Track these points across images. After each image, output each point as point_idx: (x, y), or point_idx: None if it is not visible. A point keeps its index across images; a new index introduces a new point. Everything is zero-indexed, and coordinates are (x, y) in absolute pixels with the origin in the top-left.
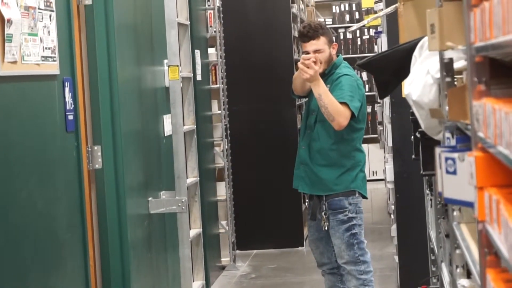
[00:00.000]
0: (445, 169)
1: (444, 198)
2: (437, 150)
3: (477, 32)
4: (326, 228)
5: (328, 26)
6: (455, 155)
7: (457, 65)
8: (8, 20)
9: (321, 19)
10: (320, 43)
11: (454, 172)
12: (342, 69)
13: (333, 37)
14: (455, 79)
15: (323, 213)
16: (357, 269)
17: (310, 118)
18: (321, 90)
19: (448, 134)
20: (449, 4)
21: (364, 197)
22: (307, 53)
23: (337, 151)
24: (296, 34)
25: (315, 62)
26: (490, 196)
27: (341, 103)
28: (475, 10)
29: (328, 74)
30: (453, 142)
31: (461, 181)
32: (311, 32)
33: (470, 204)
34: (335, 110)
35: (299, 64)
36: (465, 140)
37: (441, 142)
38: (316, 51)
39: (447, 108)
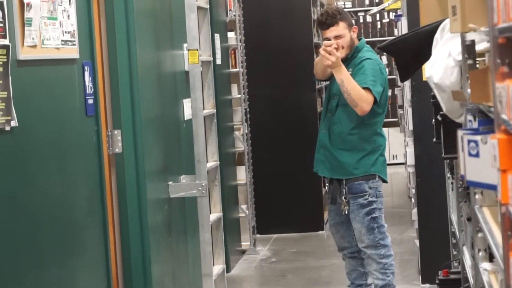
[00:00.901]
0: (467, 152)
1: (466, 181)
2: (460, 132)
3: (500, 13)
4: (346, 212)
5: (347, 9)
6: (478, 137)
7: (479, 47)
8: (28, 4)
9: (341, 3)
10: (339, 28)
11: (477, 155)
12: (364, 52)
13: (353, 21)
14: (477, 62)
15: (343, 197)
16: (378, 253)
17: (332, 102)
18: (343, 76)
19: (470, 117)
20: None
21: (384, 181)
22: (328, 39)
23: (358, 135)
24: (315, 17)
25: (337, 49)
26: None
27: (363, 88)
28: None
29: (350, 58)
30: (475, 124)
31: (484, 164)
32: (329, 19)
33: (493, 187)
34: (358, 96)
35: (321, 51)
36: (487, 122)
37: (463, 125)
38: (336, 37)
39: (469, 90)
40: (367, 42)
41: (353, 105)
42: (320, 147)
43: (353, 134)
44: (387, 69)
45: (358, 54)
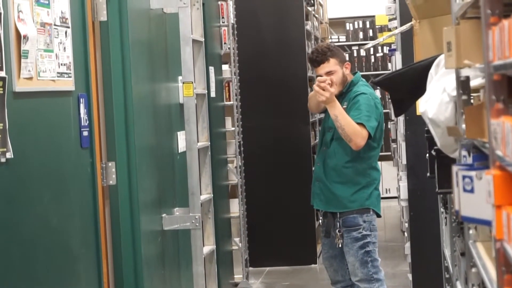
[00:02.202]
0: (462, 187)
1: (461, 216)
2: (454, 168)
3: (495, 50)
4: (340, 246)
5: (341, 43)
6: (473, 173)
7: (474, 83)
8: (24, 36)
9: (335, 37)
10: (330, 65)
11: (472, 191)
12: (359, 87)
13: (345, 57)
14: (472, 97)
15: (337, 231)
16: (371, 287)
17: (327, 135)
18: (337, 112)
19: (464, 152)
20: (466, 22)
21: (378, 216)
22: (321, 76)
23: (353, 169)
24: (310, 51)
25: (330, 84)
26: (508, 215)
27: (358, 123)
28: (494, 29)
29: (345, 92)
30: (469, 160)
31: (479, 200)
32: (319, 57)
33: (487, 223)
34: (352, 131)
35: (315, 87)
36: (481, 158)
37: (457, 160)
38: (328, 73)
39: (464, 126)
40: (361, 76)
41: (348, 140)
42: (315, 180)
43: (348, 168)
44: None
45: (353, 88)
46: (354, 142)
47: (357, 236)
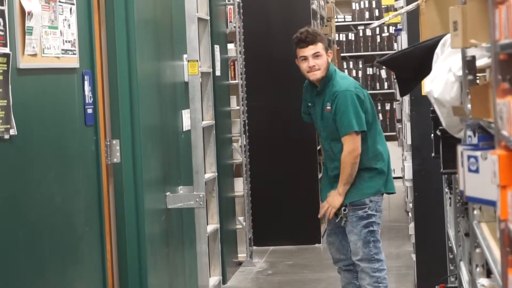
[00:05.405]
0: (467, 168)
1: (466, 196)
2: (460, 148)
3: (502, 29)
4: (343, 224)
5: (347, 23)
6: (478, 153)
7: (479, 63)
8: (29, 13)
9: (341, 16)
10: (318, 48)
11: (477, 171)
12: (338, 80)
13: (329, 45)
14: (477, 77)
15: (342, 209)
16: (371, 266)
17: (323, 141)
18: (343, 192)
19: (469, 132)
20: (473, 1)
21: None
22: (305, 58)
23: (359, 165)
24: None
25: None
26: None
27: (351, 133)
28: (501, 7)
29: (324, 87)
30: (474, 140)
31: (484, 180)
32: (309, 37)
33: (492, 203)
34: (351, 172)
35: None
36: (487, 138)
37: (463, 140)
38: (315, 55)
39: (469, 106)
40: (367, 56)
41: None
42: (327, 184)
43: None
44: (385, 83)
45: (332, 81)
46: (356, 161)
47: (362, 215)
